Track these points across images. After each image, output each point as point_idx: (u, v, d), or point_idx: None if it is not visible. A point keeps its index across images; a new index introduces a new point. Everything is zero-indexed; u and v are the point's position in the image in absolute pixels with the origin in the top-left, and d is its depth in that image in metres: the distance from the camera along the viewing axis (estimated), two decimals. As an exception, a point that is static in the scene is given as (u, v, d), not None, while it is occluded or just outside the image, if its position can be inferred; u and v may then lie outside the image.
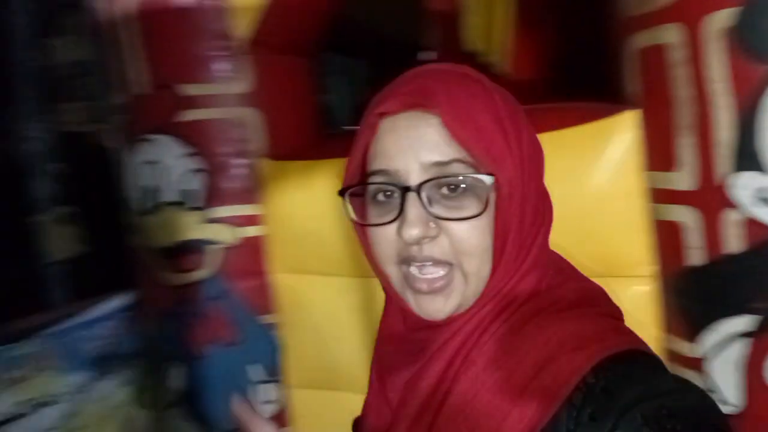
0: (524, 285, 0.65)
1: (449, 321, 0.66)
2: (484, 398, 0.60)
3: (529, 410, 0.57)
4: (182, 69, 1.70)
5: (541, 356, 0.59)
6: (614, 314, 0.68)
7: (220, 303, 1.70)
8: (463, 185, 0.62)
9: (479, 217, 0.61)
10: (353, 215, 0.68)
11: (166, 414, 1.92)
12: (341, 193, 0.68)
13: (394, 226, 0.63)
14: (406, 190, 0.62)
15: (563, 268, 0.72)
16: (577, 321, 0.62)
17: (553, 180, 1.35)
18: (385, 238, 0.64)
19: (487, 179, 0.61)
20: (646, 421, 0.51)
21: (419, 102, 0.63)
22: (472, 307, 0.66)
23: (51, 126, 4.30)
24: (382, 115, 0.65)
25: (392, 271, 0.67)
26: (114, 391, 2.09)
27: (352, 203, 0.68)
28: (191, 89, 1.70)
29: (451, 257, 0.63)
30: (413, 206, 0.61)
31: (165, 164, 1.71)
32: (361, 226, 0.69)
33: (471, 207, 0.62)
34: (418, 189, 0.62)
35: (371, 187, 0.66)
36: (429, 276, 0.63)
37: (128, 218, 1.95)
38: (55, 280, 4.04)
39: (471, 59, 3.32)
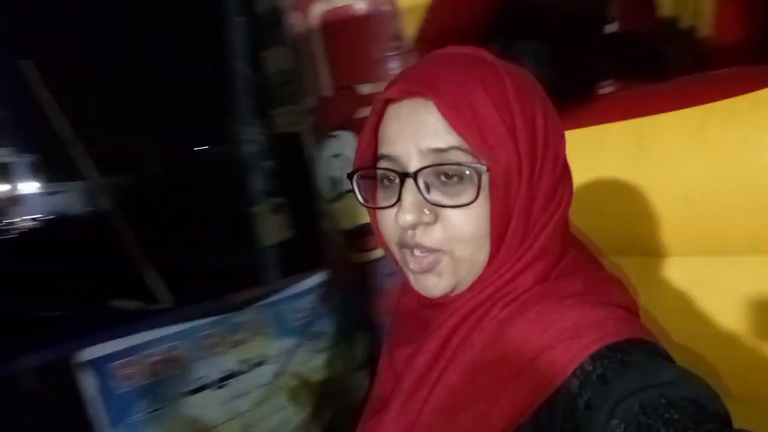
0: (530, 273, 0.65)
1: (450, 301, 0.67)
2: (478, 379, 0.61)
3: (521, 394, 0.58)
4: (360, 71, 1.89)
5: (539, 342, 0.59)
6: (622, 304, 0.65)
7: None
8: (457, 173, 0.62)
9: (474, 204, 0.61)
10: (360, 198, 0.69)
11: (354, 375, 2.15)
12: (350, 175, 0.69)
13: (394, 210, 0.64)
14: (404, 176, 0.63)
15: (580, 259, 0.70)
16: (579, 309, 0.60)
17: (723, 151, 1.25)
18: (388, 220, 0.66)
19: (480, 167, 0.61)
20: (644, 409, 0.50)
21: (417, 89, 0.63)
22: (471, 289, 0.66)
23: (265, 129, 4.94)
24: (387, 101, 0.66)
25: (395, 252, 0.69)
26: (313, 355, 2.39)
27: (365, 185, 0.70)
28: (368, 88, 1.88)
29: (443, 245, 0.64)
30: (409, 193, 0.62)
31: (347, 157, 1.92)
32: (366, 208, 0.71)
33: (467, 194, 0.62)
34: (414, 175, 0.62)
35: (378, 171, 0.67)
36: (419, 256, 0.65)
37: (321, 206, 2.20)
38: (268, 261, 4.64)
39: (670, 25, 3.08)
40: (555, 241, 0.66)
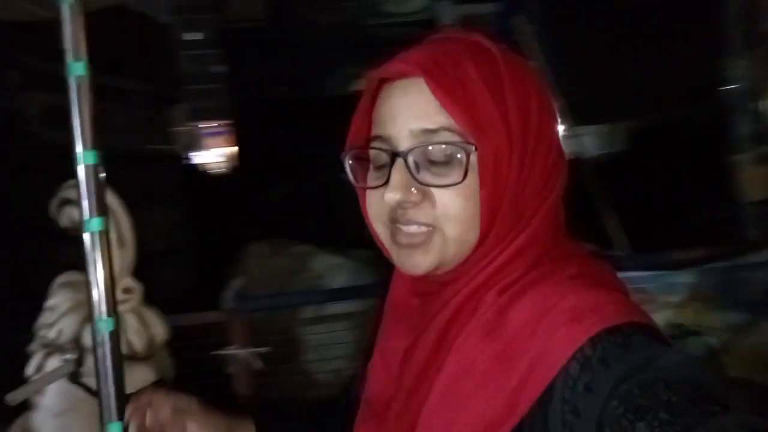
0: (522, 258, 0.64)
1: (441, 288, 0.67)
2: (480, 368, 0.60)
3: (525, 380, 0.58)
4: None
5: (540, 326, 0.59)
6: (618, 287, 0.65)
7: None
8: (446, 154, 0.62)
9: (463, 185, 0.62)
10: (351, 177, 0.70)
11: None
12: (342, 156, 0.70)
13: (383, 190, 0.65)
14: (394, 155, 0.64)
15: (572, 245, 0.70)
16: (578, 292, 0.60)
17: None
18: (377, 199, 0.67)
19: (468, 147, 0.61)
20: (643, 391, 0.50)
21: (411, 70, 0.63)
22: (463, 276, 0.66)
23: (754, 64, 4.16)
24: (381, 81, 0.67)
25: (381, 230, 0.69)
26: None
27: (359, 165, 0.70)
28: None
29: (434, 221, 0.64)
30: (397, 172, 0.63)
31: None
32: (356, 189, 0.71)
33: (455, 175, 0.62)
34: (405, 155, 0.63)
35: (371, 152, 0.68)
36: (410, 230, 0.65)
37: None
38: (746, 220, 4.01)
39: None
40: (547, 227, 0.66)
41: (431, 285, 0.69)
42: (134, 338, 1.27)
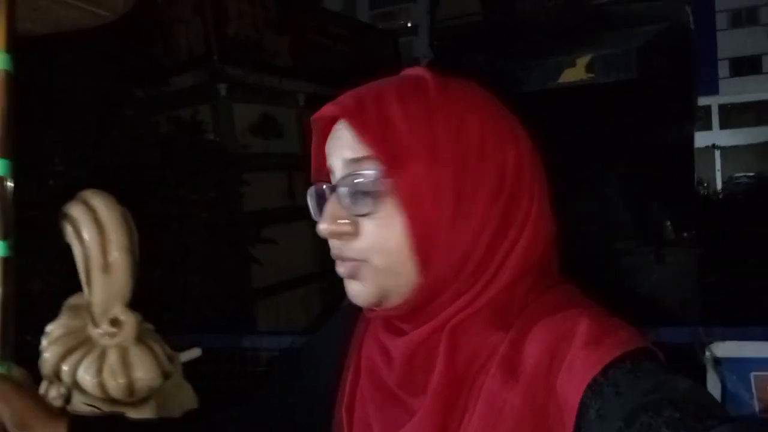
0: (517, 294, 0.65)
1: (413, 329, 0.66)
2: (511, 415, 0.59)
3: (558, 421, 0.58)
4: None
5: (556, 357, 0.58)
6: (616, 316, 0.63)
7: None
8: (365, 183, 0.63)
9: (385, 214, 0.62)
10: (314, 214, 0.70)
11: None
12: (309, 193, 0.71)
13: None
14: (332, 188, 0.66)
15: (561, 280, 0.70)
16: (588, 318, 0.59)
17: None
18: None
19: (377, 175, 0.62)
20: (646, 409, 0.51)
21: (330, 110, 0.66)
22: (437, 315, 0.64)
23: None
24: (316, 120, 0.68)
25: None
26: None
27: (312, 201, 0.71)
28: None
29: (360, 255, 0.64)
30: (329, 203, 0.65)
31: None
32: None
33: (369, 204, 0.62)
34: (336, 187, 0.65)
35: (323, 187, 0.69)
36: (344, 262, 0.66)
37: None
38: None
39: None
40: (534, 256, 0.65)
41: (400, 325, 0.67)
42: (110, 380, 1.08)
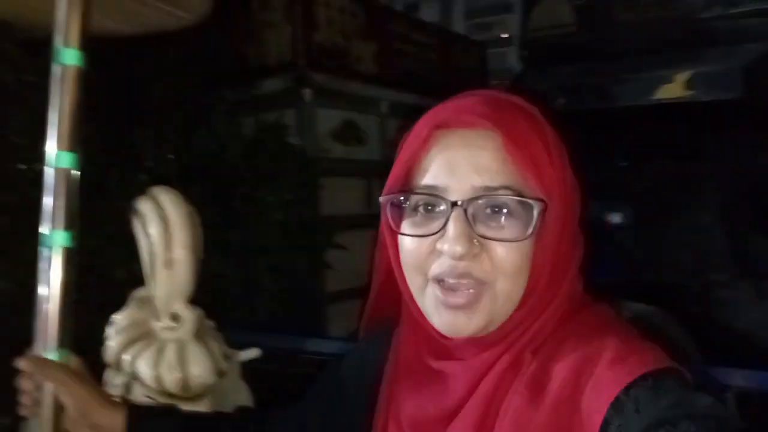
0: (555, 317, 0.66)
1: (475, 353, 0.66)
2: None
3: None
4: None
5: (582, 376, 0.59)
6: (642, 335, 0.65)
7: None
8: (509, 209, 0.63)
9: (521, 242, 0.63)
10: (391, 222, 0.67)
11: None
12: (383, 199, 0.68)
13: (431, 240, 0.64)
14: (454, 204, 0.62)
15: (587, 296, 0.71)
16: (615, 337, 0.61)
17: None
18: (420, 250, 0.65)
19: (538, 205, 0.62)
20: (664, 423, 0.52)
21: (477, 121, 0.63)
22: (501, 339, 0.65)
23: None
24: (438, 128, 0.66)
25: (419, 284, 0.67)
26: None
27: (395, 211, 0.68)
28: None
29: (488, 276, 0.63)
30: (459, 221, 0.62)
31: None
32: (393, 236, 0.69)
33: (513, 229, 0.63)
34: (465, 206, 0.62)
35: (415, 198, 0.66)
36: (458, 290, 0.63)
37: None
38: None
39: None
40: (576, 286, 0.68)
41: (459, 350, 0.67)
42: (166, 374, 1.09)
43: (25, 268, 2.00)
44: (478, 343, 0.66)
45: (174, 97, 2.53)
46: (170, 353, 1.11)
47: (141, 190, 2.54)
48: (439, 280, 0.64)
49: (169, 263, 1.11)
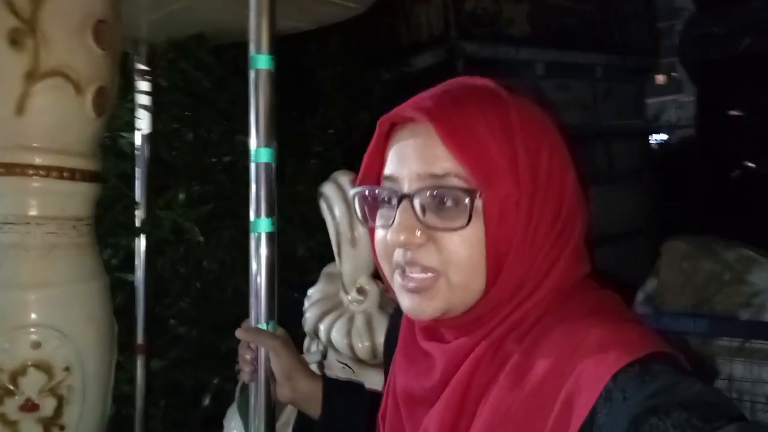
0: (540, 306, 0.65)
1: (455, 336, 0.68)
2: (515, 415, 0.60)
3: (560, 424, 0.57)
4: None
5: (566, 366, 0.58)
6: (636, 318, 0.64)
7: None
8: (452, 198, 0.63)
9: (468, 230, 0.62)
10: (359, 216, 0.71)
11: None
12: (352, 193, 0.72)
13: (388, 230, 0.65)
14: (401, 197, 0.64)
15: (584, 279, 0.69)
16: (602, 326, 0.60)
17: None
18: (384, 239, 0.67)
19: (473, 192, 0.62)
20: (656, 411, 0.51)
21: (419, 115, 0.65)
22: (478, 325, 0.66)
23: None
24: (393, 125, 0.69)
25: (387, 272, 0.70)
26: None
27: (368, 205, 0.70)
28: None
29: (438, 265, 0.64)
30: (402, 213, 0.64)
31: None
32: (370, 228, 0.73)
33: (460, 219, 0.62)
34: (411, 197, 0.64)
35: (379, 192, 0.69)
36: (414, 276, 0.65)
37: None
38: None
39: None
40: (569, 276, 0.67)
41: (444, 332, 0.70)
42: (357, 342, 1.19)
43: (224, 249, 2.29)
44: (455, 325, 0.67)
45: (336, 84, 2.68)
46: (359, 323, 1.21)
47: (312, 174, 2.75)
48: (399, 268, 0.66)
49: (353, 241, 1.21)
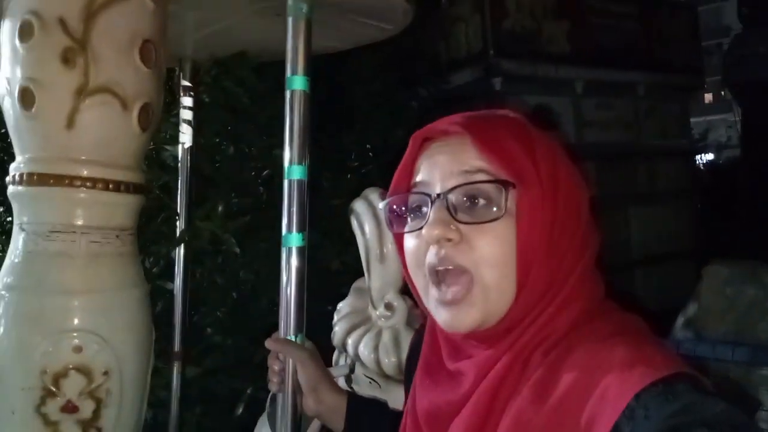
0: (564, 316, 0.66)
1: (483, 350, 0.68)
2: (535, 430, 0.61)
3: None
4: None
5: (590, 384, 0.59)
6: (658, 341, 0.65)
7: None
8: (484, 194, 0.66)
9: (498, 224, 0.65)
10: (388, 224, 0.74)
11: None
12: (382, 205, 0.76)
13: (422, 234, 0.67)
14: (435, 197, 0.67)
15: (606, 301, 0.71)
16: (625, 346, 0.61)
17: None
18: (416, 245, 0.69)
19: (506, 182, 0.65)
20: (678, 430, 0.52)
21: (453, 129, 0.69)
22: (505, 336, 0.67)
23: None
24: (424, 140, 0.73)
25: (420, 282, 0.71)
26: None
27: (397, 217, 0.73)
28: None
29: (470, 265, 0.65)
30: (437, 210, 0.66)
31: None
32: (398, 240, 0.75)
33: (492, 215, 0.65)
34: (444, 195, 0.67)
35: (410, 200, 0.71)
36: (449, 288, 0.66)
37: None
38: None
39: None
40: (586, 285, 0.68)
41: (472, 349, 0.70)
42: (383, 357, 1.21)
43: (260, 260, 2.33)
44: (483, 339, 0.68)
45: (373, 101, 2.72)
46: (386, 338, 1.23)
47: (349, 188, 2.79)
48: (432, 274, 0.67)
49: (381, 257, 1.23)
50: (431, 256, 0.67)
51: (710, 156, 11.70)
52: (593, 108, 4.13)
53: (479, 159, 0.67)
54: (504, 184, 0.65)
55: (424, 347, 0.78)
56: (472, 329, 0.67)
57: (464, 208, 0.66)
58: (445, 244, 0.66)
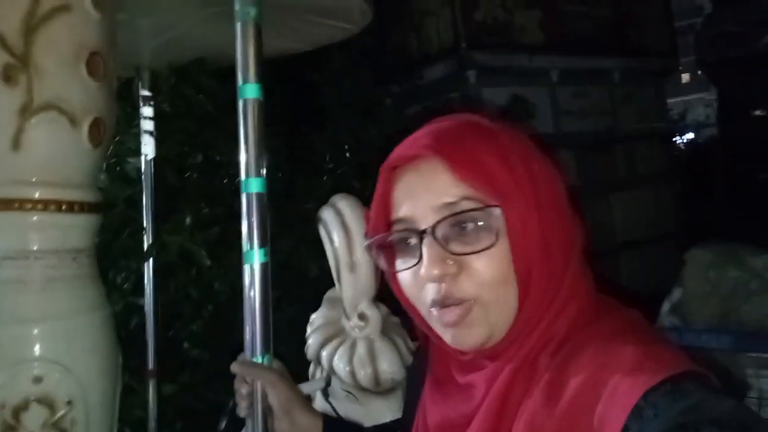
0: (564, 318, 0.66)
1: (491, 359, 0.68)
2: None
3: None
4: None
5: (599, 383, 0.59)
6: (664, 338, 0.65)
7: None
8: (472, 221, 0.65)
9: (494, 248, 0.64)
10: (383, 265, 0.72)
11: None
12: (366, 246, 0.73)
13: (417, 269, 0.66)
14: (422, 233, 0.65)
15: (606, 299, 0.70)
16: (633, 345, 0.60)
17: None
18: (413, 281, 0.68)
19: (495, 210, 0.64)
20: (686, 428, 0.51)
21: (422, 152, 0.67)
22: (511, 345, 0.67)
23: None
24: (394, 168, 0.70)
25: (426, 310, 0.69)
26: None
27: (383, 253, 0.72)
28: None
29: (469, 294, 0.65)
30: (430, 247, 0.65)
31: None
32: (392, 274, 0.73)
33: (485, 239, 0.64)
34: (432, 231, 0.65)
35: (394, 236, 0.69)
36: (449, 310, 0.65)
37: None
38: None
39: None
40: (580, 281, 0.68)
41: (481, 361, 0.69)
42: (359, 369, 1.16)
43: (235, 271, 2.28)
44: (492, 352, 0.68)
45: (344, 100, 2.67)
46: (361, 350, 1.19)
47: (324, 191, 2.74)
48: (435, 306, 0.67)
49: (352, 266, 1.19)
50: (433, 293, 0.66)
51: (690, 135, 11.79)
52: (569, 97, 4.11)
53: (458, 186, 0.65)
54: (491, 210, 0.64)
55: (432, 363, 0.78)
56: (480, 345, 0.67)
57: (455, 238, 0.65)
58: (445, 278, 0.65)
